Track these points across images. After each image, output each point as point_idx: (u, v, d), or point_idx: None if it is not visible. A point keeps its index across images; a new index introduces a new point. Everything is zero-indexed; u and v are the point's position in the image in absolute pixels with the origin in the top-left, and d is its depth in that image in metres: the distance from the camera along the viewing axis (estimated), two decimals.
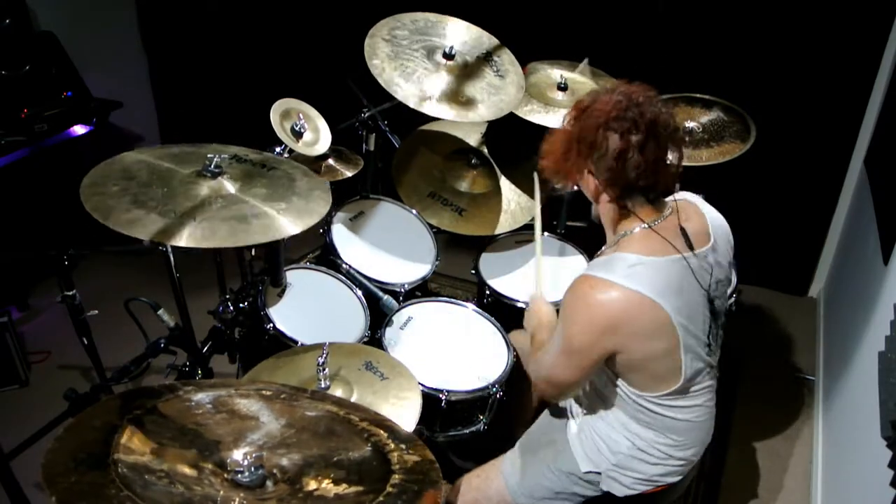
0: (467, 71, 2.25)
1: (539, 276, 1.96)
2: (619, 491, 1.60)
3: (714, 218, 1.59)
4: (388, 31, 2.22)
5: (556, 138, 1.52)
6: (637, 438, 1.56)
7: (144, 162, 1.67)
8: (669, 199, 1.53)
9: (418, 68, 2.18)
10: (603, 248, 1.58)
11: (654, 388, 1.49)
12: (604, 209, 1.53)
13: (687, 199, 1.58)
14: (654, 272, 1.41)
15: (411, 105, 2.09)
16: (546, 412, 1.82)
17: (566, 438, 1.67)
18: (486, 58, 2.31)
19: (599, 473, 1.60)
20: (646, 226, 1.46)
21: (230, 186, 1.64)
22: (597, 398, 1.61)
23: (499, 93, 2.24)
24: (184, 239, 1.47)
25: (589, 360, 1.46)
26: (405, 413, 1.59)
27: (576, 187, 1.55)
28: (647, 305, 1.38)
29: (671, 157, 1.44)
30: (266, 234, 1.55)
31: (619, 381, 1.52)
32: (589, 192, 1.53)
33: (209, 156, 1.64)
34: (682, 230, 1.48)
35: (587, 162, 1.45)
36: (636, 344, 1.42)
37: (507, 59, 2.35)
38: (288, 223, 1.59)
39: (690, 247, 1.47)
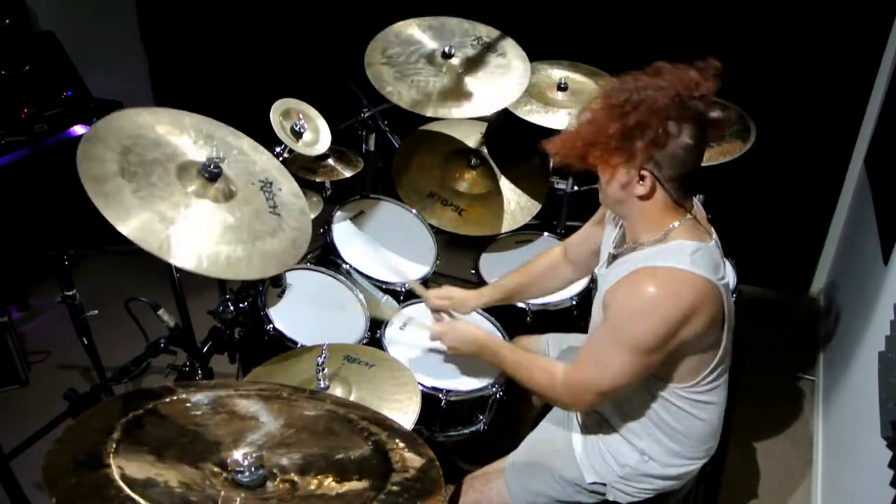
0: (472, 64, 2.27)
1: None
2: (624, 499, 1.60)
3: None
4: (381, 54, 2.25)
5: (593, 130, 1.37)
6: (646, 450, 1.56)
7: (151, 130, 1.65)
8: None
9: (428, 77, 2.21)
10: (633, 245, 1.50)
11: (694, 374, 1.48)
12: (652, 205, 1.42)
13: None
14: (709, 257, 1.41)
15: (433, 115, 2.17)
16: (550, 416, 1.82)
17: (571, 448, 1.66)
18: (487, 47, 2.34)
19: (605, 485, 1.60)
20: (690, 217, 1.45)
21: (210, 200, 1.58)
22: (610, 406, 1.60)
23: (506, 73, 2.27)
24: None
25: (661, 355, 1.39)
26: (408, 396, 1.61)
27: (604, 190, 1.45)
28: (712, 290, 1.38)
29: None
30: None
31: (651, 378, 1.49)
32: (640, 191, 1.40)
33: (209, 156, 1.63)
34: (708, 218, 1.51)
35: (648, 156, 1.35)
36: (703, 330, 1.39)
37: (506, 44, 2.38)
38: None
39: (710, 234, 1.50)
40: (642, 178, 1.38)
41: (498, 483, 1.69)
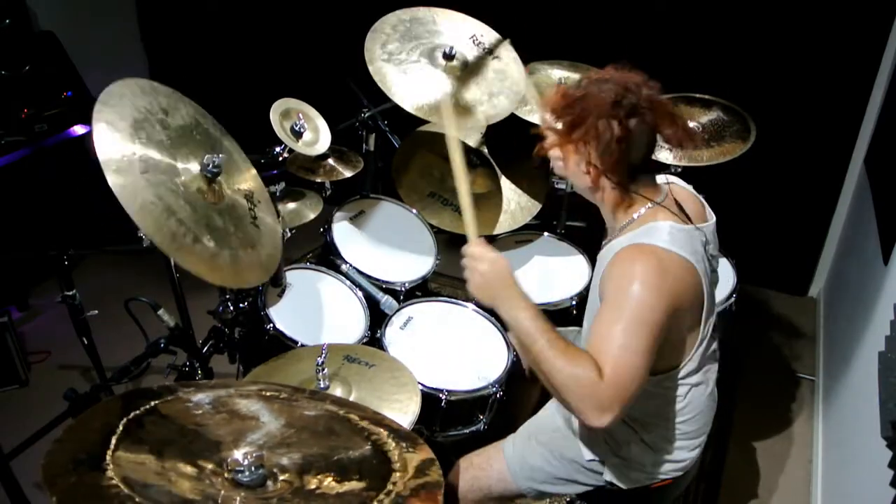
0: (469, 70, 2.25)
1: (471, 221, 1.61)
2: (623, 482, 1.60)
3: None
4: (381, 49, 2.20)
5: (548, 129, 1.51)
6: (642, 430, 1.56)
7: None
8: (662, 182, 1.55)
9: (426, 76, 2.18)
10: (608, 237, 1.56)
11: (673, 359, 1.48)
12: (608, 196, 1.50)
13: (677, 183, 1.60)
14: (685, 238, 1.43)
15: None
16: (551, 400, 1.81)
17: (571, 425, 1.67)
18: (488, 52, 2.31)
19: (603, 463, 1.61)
20: (652, 205, 1.47)
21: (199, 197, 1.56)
22: None
23: (504, 78, 2.23)
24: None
25: (661, 331, 1.33)
26: (408, 396, 1.62)
27: (567, 178, 1.53)
28: (691, 270, 1.40)
29: (668, 131, 1.46)
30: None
31: None
32: (588, 181, 1.48)
33: (207, 156, 1.63)
34: (680, 207, 1.51)
35: (587, 152, 1.44)
36: (685, 309, 1.40)
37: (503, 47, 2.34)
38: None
39: (690, 220, 1.50)
40: (587, 170, 1.46)
41: (498, 459, 1.71)
